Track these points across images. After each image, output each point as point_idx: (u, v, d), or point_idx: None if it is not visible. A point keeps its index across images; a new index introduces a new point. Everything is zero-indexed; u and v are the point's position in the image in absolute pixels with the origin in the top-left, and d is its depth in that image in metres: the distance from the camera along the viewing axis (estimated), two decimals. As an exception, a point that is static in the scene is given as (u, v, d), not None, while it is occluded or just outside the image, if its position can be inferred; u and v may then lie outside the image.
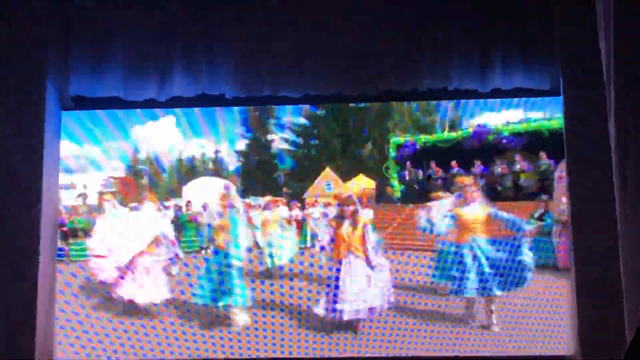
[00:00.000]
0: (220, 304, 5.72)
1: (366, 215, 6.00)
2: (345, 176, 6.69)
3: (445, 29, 5.14)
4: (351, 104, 6.20)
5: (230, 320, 5.70)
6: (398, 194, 6.79)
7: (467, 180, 6.14)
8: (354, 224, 5.90)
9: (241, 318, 5.69)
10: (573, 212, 4.83)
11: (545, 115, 5.81)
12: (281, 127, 6.48)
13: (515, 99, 5.59)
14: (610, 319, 4.16)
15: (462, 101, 5.80)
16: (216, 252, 5.93)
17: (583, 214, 4.76)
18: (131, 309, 5.77)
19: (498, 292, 5.64)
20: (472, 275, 5.70)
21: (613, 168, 3.81)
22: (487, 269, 5.69)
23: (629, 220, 3.69)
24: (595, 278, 4.61)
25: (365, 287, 5.71)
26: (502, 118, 6.08)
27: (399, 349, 5.40)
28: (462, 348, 5.32)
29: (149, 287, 5.91)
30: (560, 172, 5.56)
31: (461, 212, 5.94)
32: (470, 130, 6.37)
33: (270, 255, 6.49)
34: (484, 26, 5.11)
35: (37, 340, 4.97)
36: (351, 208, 5.94)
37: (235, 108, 6.07)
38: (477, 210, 5.92)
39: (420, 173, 6.79)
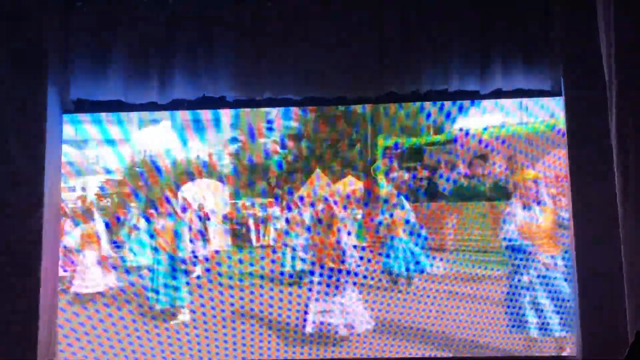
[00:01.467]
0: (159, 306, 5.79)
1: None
2: (336, 177, 6.67)
3: (446, 30, 5.15)
4: (340, 108, 6.16)
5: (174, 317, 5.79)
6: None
7: (529, 174, 5.07)
8: (328, 228, 5.47)
9: (186, 317, 5.76)
10: (575, 213, 4.85)
11: (522, 119, 5.73)
12: (272, 130, 6.46)
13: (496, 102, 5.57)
14: (613, 319, 4.19)
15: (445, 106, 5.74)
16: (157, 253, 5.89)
17: (585, 215, 4.77)
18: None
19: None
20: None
21: (614, 168, 3.84)
22: (542, 300, 4.76)
23: (630, 220, 3.72)
24: (597, 278, 4.64)
25: (339, 300, 5.32)
26: (482, 122, 5.99)
27: (398, 348, 5.41)
28: (465, 348, 5.33)
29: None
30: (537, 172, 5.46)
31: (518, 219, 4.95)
32: (454, 133, 6.26)
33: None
34: (484, 27, 5.13)
35: (40, 341, 4.97)
36: (325, 210, 5.51)
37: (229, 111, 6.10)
38: (539, 216, 4.95)
39: (407, 175, 6.72)
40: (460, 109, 5.73)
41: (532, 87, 5.19)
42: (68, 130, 5.56)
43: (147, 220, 6.14)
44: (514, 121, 5.72)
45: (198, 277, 5.76)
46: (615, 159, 3.83)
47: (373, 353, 5.41)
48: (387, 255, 5.73)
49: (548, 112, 5.37)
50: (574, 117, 4.91)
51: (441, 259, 5.68)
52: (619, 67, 3.81)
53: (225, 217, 6.64)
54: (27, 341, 4.90)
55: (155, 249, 5.92)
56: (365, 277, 5.61)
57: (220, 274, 5.82)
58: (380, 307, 5.58)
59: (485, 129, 5.94)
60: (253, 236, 6.61)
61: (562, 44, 4.96)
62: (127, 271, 6.06)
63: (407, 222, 5.75)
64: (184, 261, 5.85)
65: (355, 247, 5.64)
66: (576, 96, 4.89)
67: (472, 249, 5.62)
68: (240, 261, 6.01)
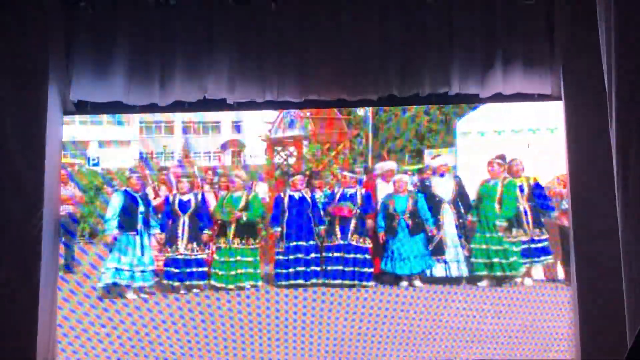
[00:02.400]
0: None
1: None
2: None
3: (447, 33, 5.18)
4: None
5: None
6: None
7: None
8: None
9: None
10: (574, 217, 4.87)
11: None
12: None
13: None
14: (612, 321, 4.18)
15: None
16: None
17: (584, 219, 4.79)
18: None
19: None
20: None
21: (614, 172, 3.83)
22: None
23: (630, 225, 3.71)
24: (596, 282, 4.65)
25: None
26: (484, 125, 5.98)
27: (397, 352, 5.40)
28: (464, 352, 5.32)
29: None
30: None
31: None
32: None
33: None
34: (485, 31, 5.15)
35: (39, 346, 4.98)
36: None
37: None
38: None
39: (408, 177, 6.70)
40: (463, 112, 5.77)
41: (532, 91, 5.21)
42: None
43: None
44: (515, 125, 5.74)
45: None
46: (615, 162, 3.82)
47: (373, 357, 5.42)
48: (390, 256, 5.74)
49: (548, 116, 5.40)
50: (574, 120, 4.92)
51: (439, 261, 5.69)
52: (619, 71, 3.81)
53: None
54: (27, 342, 4.90)
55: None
56: (370, 278, 5.63)
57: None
58: (378, 311, 5.57)
59: (486, 132, 5.96)
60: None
61: (562, 48, 4.97)
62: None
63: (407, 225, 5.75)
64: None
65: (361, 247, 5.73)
66: (576, 100, 4.90)
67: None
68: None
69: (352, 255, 5.70)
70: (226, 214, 5.79)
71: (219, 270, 5.71)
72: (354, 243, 5.71)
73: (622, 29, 3.77)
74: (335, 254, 5.70)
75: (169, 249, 5.77)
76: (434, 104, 5.59)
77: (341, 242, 5.71)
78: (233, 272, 5.70)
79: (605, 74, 3.97)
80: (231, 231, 5.80)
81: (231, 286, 5.68)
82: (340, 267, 5.67)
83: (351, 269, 5.67)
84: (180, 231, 5.81)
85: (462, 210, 5.73)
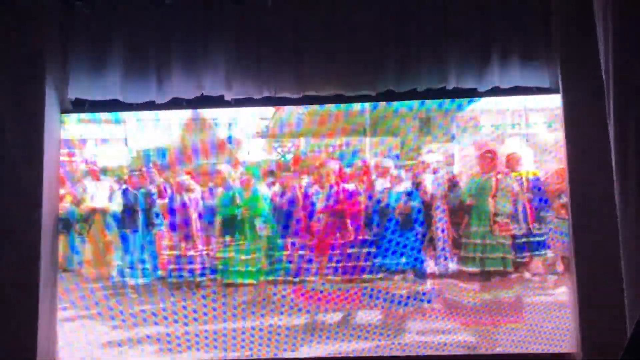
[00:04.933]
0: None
1: None
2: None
3: (444, 27, 5.17)
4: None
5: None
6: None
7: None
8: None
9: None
10: (573, 210, 4.87)
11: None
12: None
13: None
14: (612, 317, 4.19)
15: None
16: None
17: (584, 213, 4.79)
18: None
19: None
20: None
21: (613, 165, 3.84)
22: None
23: (629, 218, 3.73)
24: (596, 276, 4.65)
25: None
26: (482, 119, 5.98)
27: (397, 346, 5.40)
28: (463, 346, 5.32)
29: None
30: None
31: None
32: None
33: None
34: (482, 25, 5.15)
35: (40, 345, 4.98)
36: None
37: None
38: None
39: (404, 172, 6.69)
40: (459, 106, 5.76)
41: (530, 84, 5.21)
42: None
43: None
44: (512, 119, 5.73)
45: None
46: (614, 155, 3.83)
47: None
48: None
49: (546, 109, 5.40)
50: (573, 113, 4.92)
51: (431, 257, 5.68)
52: (616, 63, 3.82)
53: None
54: (27, 342, 4.91)
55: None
56: (362, 271, 5.63)
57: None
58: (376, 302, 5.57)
59: (483, 126, 5.95)
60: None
61: (560, 40, 4.97)
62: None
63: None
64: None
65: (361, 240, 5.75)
66: (574, 93, 4.91)
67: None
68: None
69: (371, 250, 5.72)
70: (254, 210, 5.81)
71: (229, 267, 5.73)
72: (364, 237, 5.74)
73: (620, 20, 3.78)
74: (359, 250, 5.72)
75: (178, 247, 5.78)
76: (431, 99, 5.56)
77: (367, 237, 5.71)
78: (248, 269, 5.72)
79: (603, 66, 3.97)
80: (243, 227, 5.82)
81: (245, 281, 5.69)
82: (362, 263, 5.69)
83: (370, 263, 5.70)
84: (193, 228, 5.83)
85: (455, 206, 5.74)
